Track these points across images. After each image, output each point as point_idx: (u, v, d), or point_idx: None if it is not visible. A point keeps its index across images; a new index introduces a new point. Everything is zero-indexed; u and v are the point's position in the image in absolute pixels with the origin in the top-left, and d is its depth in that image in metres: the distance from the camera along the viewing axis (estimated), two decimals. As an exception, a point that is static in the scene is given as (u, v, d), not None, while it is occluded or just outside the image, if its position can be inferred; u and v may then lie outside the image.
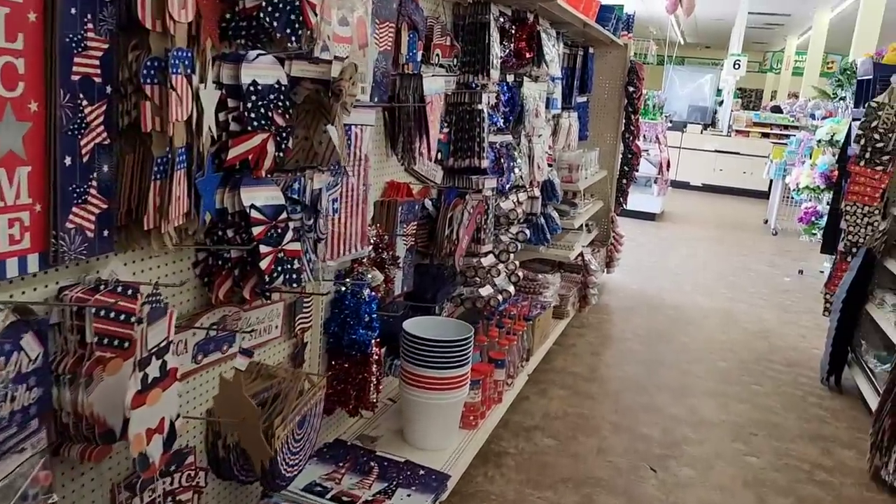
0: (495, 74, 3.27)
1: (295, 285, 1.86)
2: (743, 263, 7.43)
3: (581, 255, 4.73)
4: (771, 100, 21.69)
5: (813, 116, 13.16)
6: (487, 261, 3.42)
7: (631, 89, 5.66)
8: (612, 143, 5.80)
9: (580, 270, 4.90)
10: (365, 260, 2.55)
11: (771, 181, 10.23)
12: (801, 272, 7.16)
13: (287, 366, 2.31)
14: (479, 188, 3.29)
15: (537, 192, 4.20)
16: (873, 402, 3.74)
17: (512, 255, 3.64)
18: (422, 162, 2.91)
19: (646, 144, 9.51)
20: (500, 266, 3.53)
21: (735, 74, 13.15)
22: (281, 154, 1.82)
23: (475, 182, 3.29)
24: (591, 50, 5.35)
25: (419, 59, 2.80)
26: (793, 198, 8.28)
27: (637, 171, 5.95)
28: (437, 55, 2.99)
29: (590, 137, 5.69)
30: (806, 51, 20.07)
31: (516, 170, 3.76)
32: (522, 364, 3.58)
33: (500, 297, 3.49)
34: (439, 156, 3.21)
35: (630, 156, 5.81)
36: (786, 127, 13.16)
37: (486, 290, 3.42)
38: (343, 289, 2.51)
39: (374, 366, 2.55)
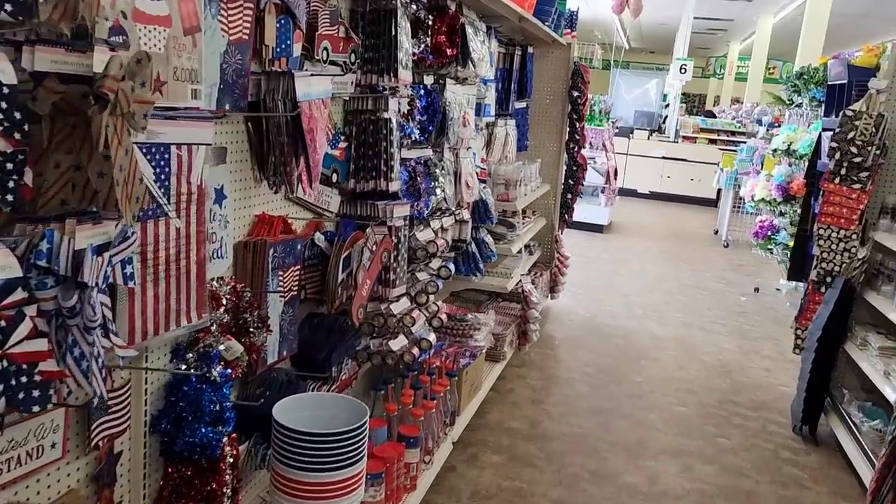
0: (405, 75, 2.61)
1: (37, 407, 1.16)
2: (695, 280, 6.94)
3: (520, 283, 4.11)
4: (714, 105, 21.66)
5: (760, 122, 12.93)
6: (400, 306, 2.75)
7: (575, 94, 5.08)
8: (556, 154, 5.20)
9: (519, 299, 4.28)
10: (215, 327, 1.86)
11: (720, 191, 9.86)
12: (756, 290, 6.70)
13: (85, 492, 1.60)
14: (386, 218, 2.62)
15: (467, 215, 3.55)
16: (857, 459, 3.20)
17: (432, 297, 2.98)
18: (305, 188, 2.22)
19: (592, 152, 9.01)
20: (417, 311, 2.86)
21: (681, 79, 12.81)
22: (10, 197, 1.13)
23: (381, 210, 2.62)
24: (530, 49, 4.74)
25: (296, 53, 2.12)
26: (745, 209, 7.85)
27: (583, 184, 5.37)
28: (326, 49, 2.31)
29: (530, 147, 5.09)
30: (749, 56, 20.07)
31: (438, 191, 3.11)
32: (446, 431, 2.92)
33: (416, 351, 2.82)
34: (335, 177, 2.54)
35: (575, 168, 5.23)
36: (733, 133, 12.87)
37: (398, 343, 2.76)
38: (184, 367, 1.82)
39: (228, 472, 1.86)
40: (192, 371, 1.78)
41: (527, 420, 3.61)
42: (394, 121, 2.62)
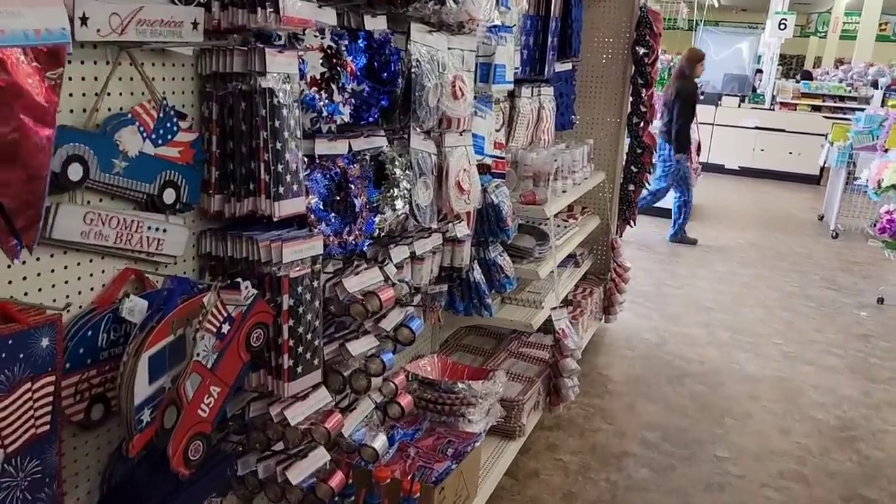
0: (298, 9, 1.46)
1: None
2: (799, 286, 5.53)
3: (550, 320, 2.91)
4: (814, 67, 19.44)
5: (875, 85, 11.07)
6: (304, 409, 1.63)
7: (642, 51, 3.79)
8: (614, 132, 3.95)
9: (551, 331, 3.06)
10: None
11: (824, 166, 8.27)
12: (881, 301, 5.24)
13: None
14: (273, 262, 1.50)
15: (463, 231, 2.39)
16: None
17: (377, 379, 1.84)
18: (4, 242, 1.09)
19: (670, 124, 7.59)
20: (340, 415, 1.74)
21: (780, 36, 11.06)
22: None
23: (262, 250, 1.50)
24: (577, -10, 3.48)
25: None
26: (866, 193, 6.32)
27: (650, 171, 4.09)
28: (102, -46, 1.19)
29: (578, 124, 3.84)
30: (857, 10, 17.78)
31: (398, 203, 1.96)
32: None
33: (338, 480, 1.71)
34: (173, 196, 1.43)
35: (640, 150, 3.95)
36: (841, 98, 11.06)
37: (302, 471, 1.64)
38: None
39: None
40: None
41: (550, 534, 2.45)
42: (282, 93, 1.48)
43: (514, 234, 2.72)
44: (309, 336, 1.60)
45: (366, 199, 1.82)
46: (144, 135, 1.36)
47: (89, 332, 1.31)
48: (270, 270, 1.52)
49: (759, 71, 12.71)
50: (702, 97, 9.69)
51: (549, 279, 3.11)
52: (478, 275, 2.60)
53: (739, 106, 11.07)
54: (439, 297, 2.53)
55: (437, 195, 2.24)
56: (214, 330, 1.33)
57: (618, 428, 3.21)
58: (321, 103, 1.65)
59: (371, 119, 1.91)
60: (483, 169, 2.77)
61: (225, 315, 1.35)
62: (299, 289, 1.56)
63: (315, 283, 1.61)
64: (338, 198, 1.79)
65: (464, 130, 2.34)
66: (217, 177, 1.53)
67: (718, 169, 10.87)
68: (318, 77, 1.64)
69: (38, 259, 1.23)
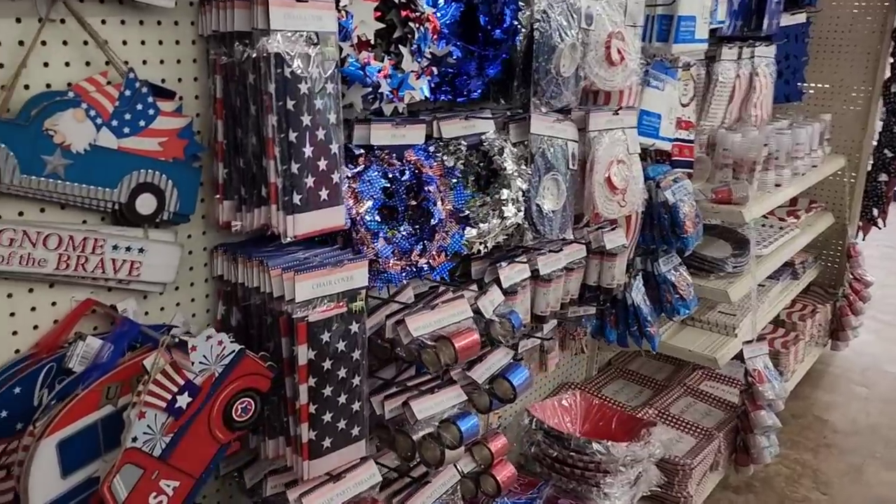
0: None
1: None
2: None
3: (742, 355, 2.21)
4: None
5: None
6: (334, 496, 1.20)
7: (911, -4, 2.82)
8: (863, 104, 3.02)
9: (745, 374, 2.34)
10: None
11: None
12: None
13: None
14: (285, 299, 1.08)
15: (614, 241, 1.81)
16: None
17: (451, 453, 1.35)
18: None
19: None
20: (416, 484, 1.29)
21: None
22: None
23: (273, 281, 1.08)
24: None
25: None
26: None
27: (912, 157, 3.08)
28: None
29: (808, 95, 2.98)
30: None
31: (508, 208, 1.43)
32: None
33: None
34: (153, 206, 1.05)
35: (900, 128, 2.98)
36: None
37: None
38: None
39: None
40: None
41: None
42: (301, 61, 1.04)
43: (696, 241, 2.06)
44: (342, 399, 1.16)
45: (450, 206, 1.33)
46: (99, 121, 0.98)
47: (17, 389, 0.98)
48: (283, 310, 1.10)
49: None
50: None
51: (740, 305, 2.39)
52: (638, 295, 2.00)
53: None
54: (584, 322, 1.98)
55: (578, 195, 1.68)
56: (163, 405, 0.93)
57: (834, 501, 2.42)
58: (378, 75, 1.18)
59: (474, 95, 1.40)
60: (661, 156, 2.14)
61: (182, 383, 0.95)
62: (325, 335, 1.12)
63: (353, 327, 1.16)
64: (412, 203, 1.32)
65: (622, 108, 1.74)
66: (225, 176, 1.14)
67: None
68: (367, 38, 1.16)
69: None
